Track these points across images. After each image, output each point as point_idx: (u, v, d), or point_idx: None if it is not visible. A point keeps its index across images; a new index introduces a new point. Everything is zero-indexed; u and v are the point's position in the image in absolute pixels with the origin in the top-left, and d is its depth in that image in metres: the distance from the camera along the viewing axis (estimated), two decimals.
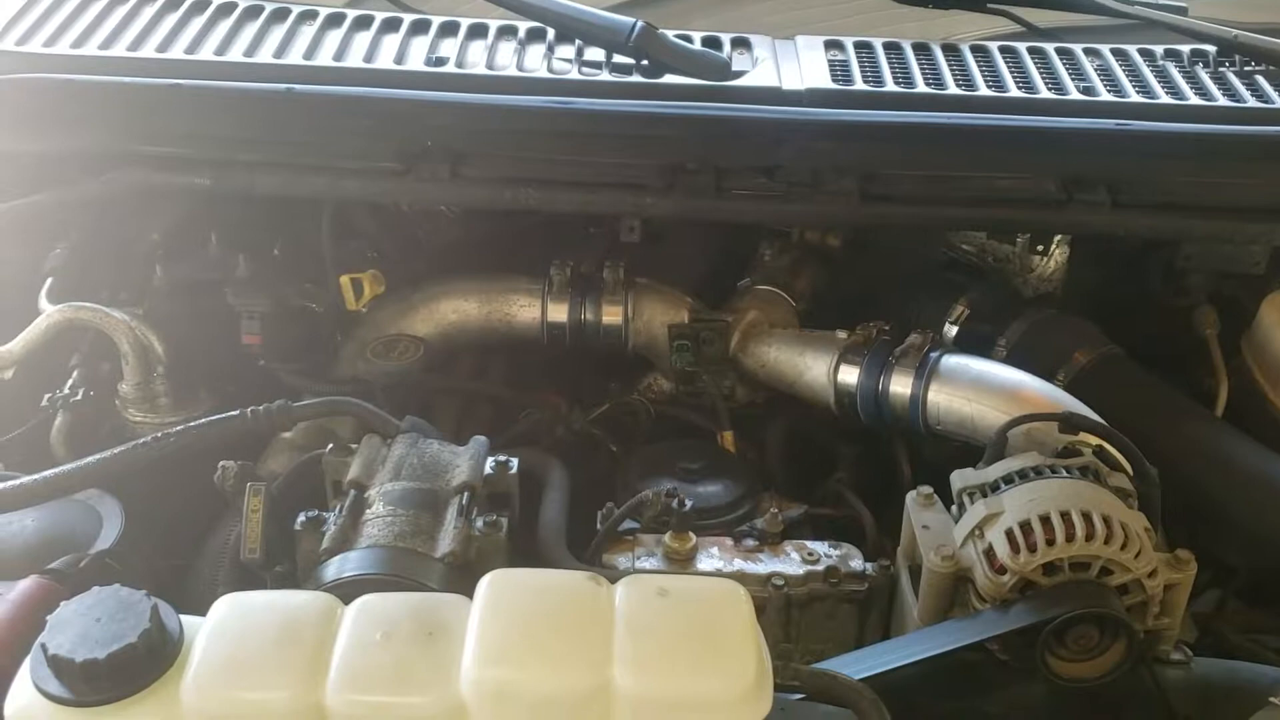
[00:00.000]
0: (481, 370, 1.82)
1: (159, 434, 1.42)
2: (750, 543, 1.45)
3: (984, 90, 1.74)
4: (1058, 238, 1.94)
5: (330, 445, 1.44)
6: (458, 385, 1.73)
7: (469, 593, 1.07)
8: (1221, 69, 1.84)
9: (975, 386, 1.54)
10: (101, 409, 1.63)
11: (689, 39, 1.83)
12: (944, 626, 1.30)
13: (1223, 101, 1.75)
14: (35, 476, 1.38)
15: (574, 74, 1.74)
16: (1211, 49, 1.87)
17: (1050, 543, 1.25)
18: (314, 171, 1.66)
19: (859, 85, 1.73)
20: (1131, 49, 1.88)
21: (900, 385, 1.58)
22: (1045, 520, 1.27)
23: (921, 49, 1.85)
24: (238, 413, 1.43)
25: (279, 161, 1.67)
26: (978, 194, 1.66)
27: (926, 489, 1.42)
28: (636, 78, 1.74)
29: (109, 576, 1.26)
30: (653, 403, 1.77)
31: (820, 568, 1.41)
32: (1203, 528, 1.57)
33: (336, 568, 1.26)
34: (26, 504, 1.39)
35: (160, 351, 1.64)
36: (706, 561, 1.42)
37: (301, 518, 1.34)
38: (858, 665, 1.26)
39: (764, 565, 1.42)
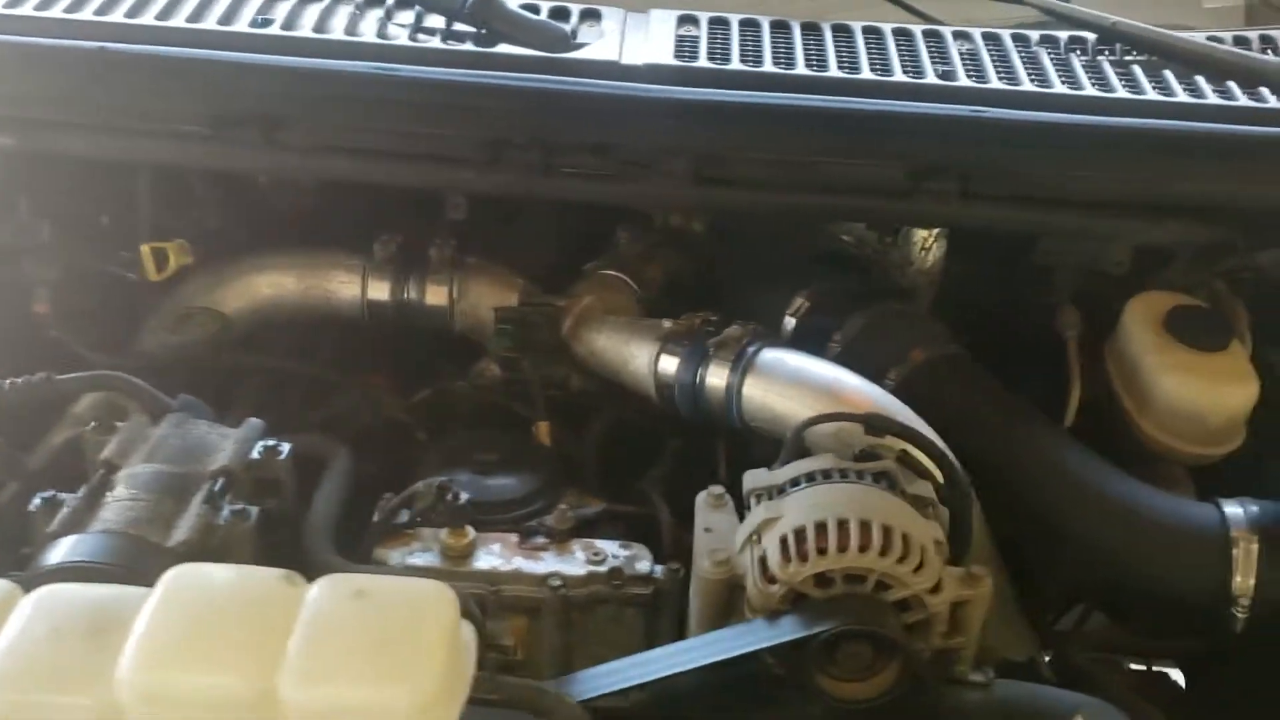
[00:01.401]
0: (306, 351, 1.73)
1: None
2: (540, 540, 1.37)
3: (833, 72, 1.64)
4: (934, 231, 1.86)
5: (92, 423, 1.36)
6: (259, 364, 1.64)
7: None
8: (1100, 57, 1.74)
9: (790, 382, 1.45)
10: None
11: (536, 9, 1.74)
12: (711, 637, 1.21)
13: (1090, 91, 1.65)
14: None
15: (403, 40, 1.65)
16: (1091, 37, 1.77)
17: (822, 552, 1.17)
18: (123, 134, 1.58)
19: (701, 62, 1.64)
20: (1005, 33, 1.78)
21: (716, 378, 1.49)
22: (820, 528, 1.18)
23: (779, 27, 1.75)
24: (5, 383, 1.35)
25: (87, 123, 1.59)
26: (819, 180, 1.56)
27: (718, 489, 1.34)
28: (469, 46, 1.64)
29: None
30: (482, 390, 1.68)
31: (604, 569, 1.32)
32: (1034, 541, 1.49)
33: (56, 552, 1.18)
34: None
35: None
36: (485, 559, 1.34)
37: (37, 499, 1.25)
38: (611, 677, 1.18)
39: (545, 565, 1.33)
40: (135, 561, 1.17)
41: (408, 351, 1.79)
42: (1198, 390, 1.52)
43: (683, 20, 1.76)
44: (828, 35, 1.74)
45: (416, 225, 1.74)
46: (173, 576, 1.01)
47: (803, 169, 1.56)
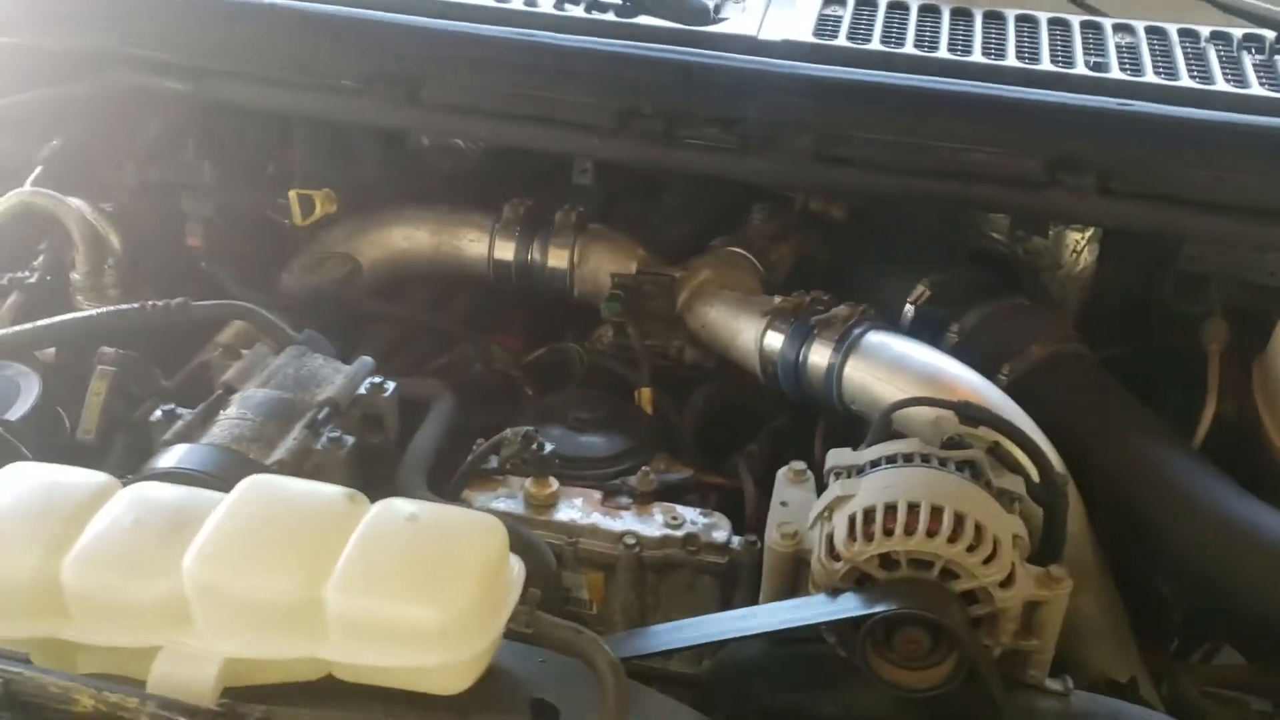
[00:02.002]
0: (440, 307, 1.80)
1: (65, 317, 1.46)
2: (623, 500, 1.38)
3: (977, 57, 1.60)
4: (1086, 233, 1.79)
5: (220, 349, 1.45)
6: (386, 311, 1.71)
7: None
8: (1277, 57, 1.64)
9: (892, 366, 1.42)
10: (56, 294, 1.68)
11: None
12: (768, 607, 1.20)
13: (1256, 90, 1.55)
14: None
15: (547, 7, 1.69)
16: (1270, 35, 1.67)
17: (889, 533, 1.14)
18: (284, 87, 1.68)
19: (839, 41, 1.62)
20: (1171, 27, 1.70)
21: (819, 356, 1.48)
22: (890, 509, 1.15)
23: (928, 11, 1.72)
24: (137, 305, 1.46)
25: (253, 75, 1.69)
26: (947, 166, 1.52)
27: (800, 465, 1.33)
28: (609, 16, 1.68)
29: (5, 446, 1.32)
30: (594, 353, 1.71)
31: (680, 533, 1.33)
32: (1147, 560, 1.41)
33: (164, 459, 1.26)
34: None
35: (116, 245, 1.68)
36: (566, 510, 1.36)
37: (158, 412, 1.34)
38: (663, 636, 1.18)
39: (622, 523, 1.34)
40: (231, 473, 1.23)
41: (537, 315, 1.83)
42: None
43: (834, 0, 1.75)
44: (977, 21, 1.70)
45: (564, 193, 1.78)
46: (247, 485, 1.07)
47: (927, 153, 1.53)
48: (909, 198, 1.58)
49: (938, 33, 1.65)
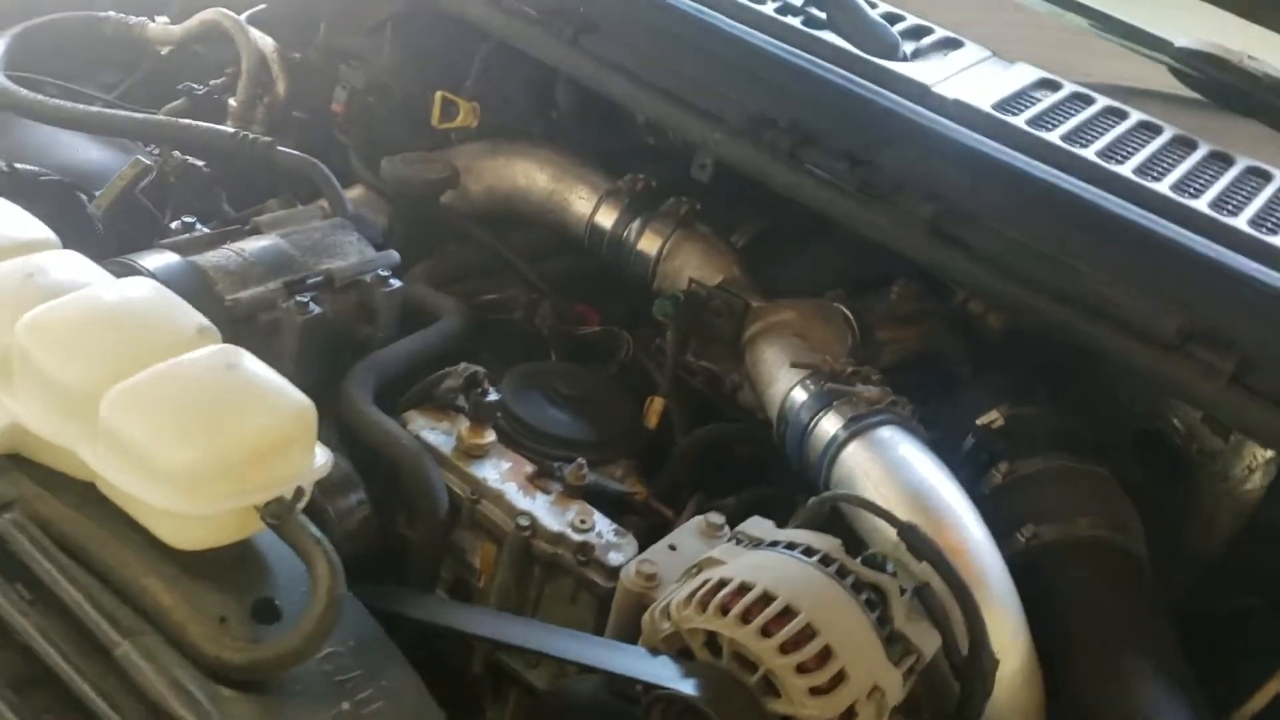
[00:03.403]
0: (538, 257, 1.73)
1: (166, 118, 1.53)
2: (554, 484, 1.28)
3: (1164, 188, 1.36)
4: (1269, 453, 1.50)
5: (274, 199, 1.48)
6: (465, 226, 1.66)
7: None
8: None
9: (889, 467, 1.23)
10: (214, 111, 1.77)
11: (899, 18, 1.62)
12: (577, 637, 1.07)
13: None
14: (71, 105, 1.55)
15: None
16: None
17: (724, 611, 0.98)
18: (481, 3, 1.67)
19: (1016, 121, 1.43)
20: None
21: (828, 428, 1.30)
22: (742, 590, 0.99)
23: (1146, 127, 1.49)
24: (231, 130, 1.51)
25: None
26: (1070, 290, 1.31)
27: (718, 519, 1.17)
28: (794, 22, 1.56)
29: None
30: (651, 353, 1.59)
31: (578, 538, 1.21)
32: None
33: (139, 254, 1.28)
34: (65, 125, 1.56)
35: (280, 90, 1.76)
36: (485, 468, 1.28)
37: (178, 222, 1.38)
38: (451, 615, 1.09)
39: (531, 504, 1.24)
40: (184, 288, 1.23)
41: (630, 299, 1.73)
42: None
43: (1041, 83, 1.55)
44: (1194, 155, 1.45)
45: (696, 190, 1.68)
46: (129, 282, 1.07)
47: (1053, 266, 1.31)
48: (1014, 306, 1.37)
49: (1136, 150, 1.42)
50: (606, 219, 1.64)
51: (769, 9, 1.59)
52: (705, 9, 1.56)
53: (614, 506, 1.29)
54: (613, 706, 1.04)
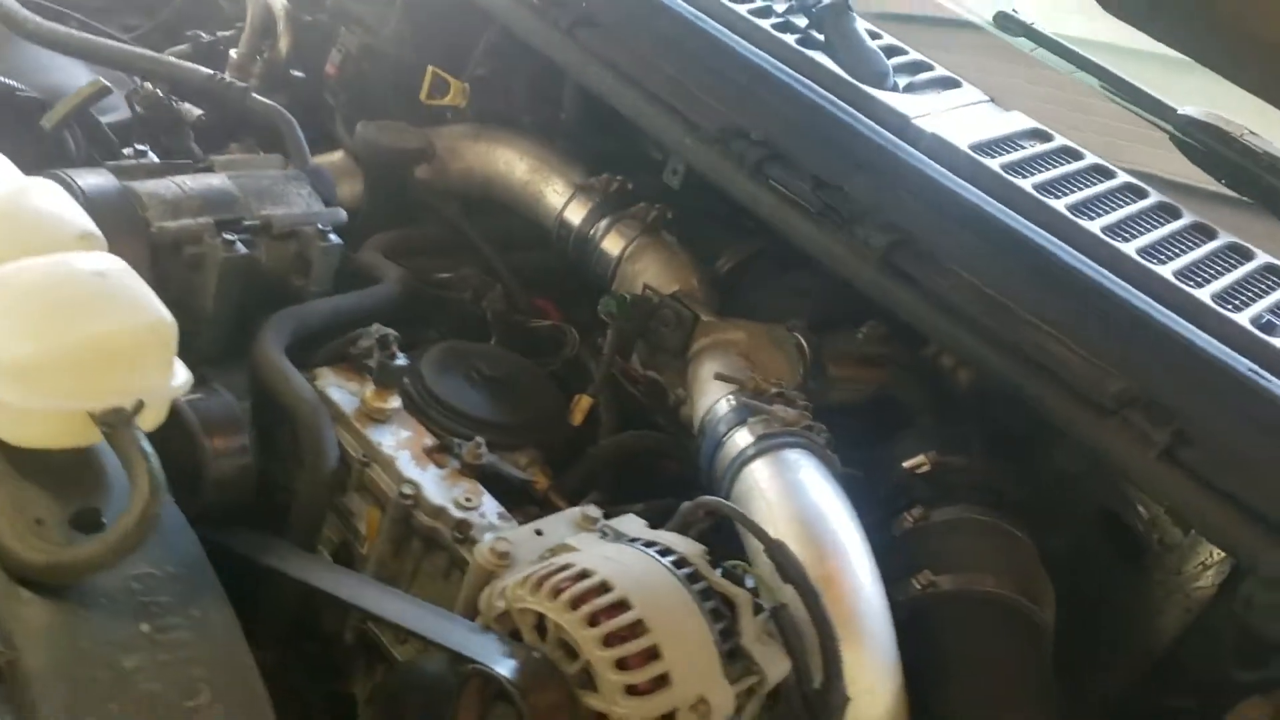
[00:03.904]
0: (515, 247, 1.70)
1: (148, 52, 1.54)
2: (452, 461, 1.24)
3: (1130, 249, 1.30)
4: (1221, 554, 1.42)
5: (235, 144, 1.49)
6: (430, 201, 1.64)
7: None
8: None
9: (784, 489, 1.18)
10: (213, 59, 1.78)
11: (899, 52, 1.58)
12: (417, 605, 1.04)
13: None
14: (69, 31, 1.56)
15: (743, 8, 1.58)
16: None
17: (555, 594, 0.94)
18: None
19: (992, 164, 1.38)
20: None
21: (739, 442, 1.25)
22: (582, 575, 0.95)
23: (1130, 191, 1.43)
24: (211, 73, 1.52)
25: None
26: (1010, 336, 1.25)
27: (595, 512, 1.13)
28: (787, 39, 1.54)
29: None
30: (595, 351, 1.55)
31: (458, 515, 1.17)
32: None
33: (81, 174, 1.28)
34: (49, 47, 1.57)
35: (282, 47, 1.76)
36: (385, 433, 1.25)
37: (131, 149, 1.38)
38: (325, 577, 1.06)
39: (420, 475, 1.21)
40: (110, 207, 1.23)
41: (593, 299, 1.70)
42: None
43: (1033, 133, 1.50)
44: (1172, 225, 1.39)
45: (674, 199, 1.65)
46: (32, 183, 1.06)
47: (999, 313, 1.26)
48: (956, 349, 1.32)
49: (1111, 210, 1.37)
50: (575, 215, 1.62)
51: (767, 24, 1.56)
52: (704, 17, 1.54)
53: (513, 494, 1.25)
54: (451, 684, 1.01)
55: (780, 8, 1.65)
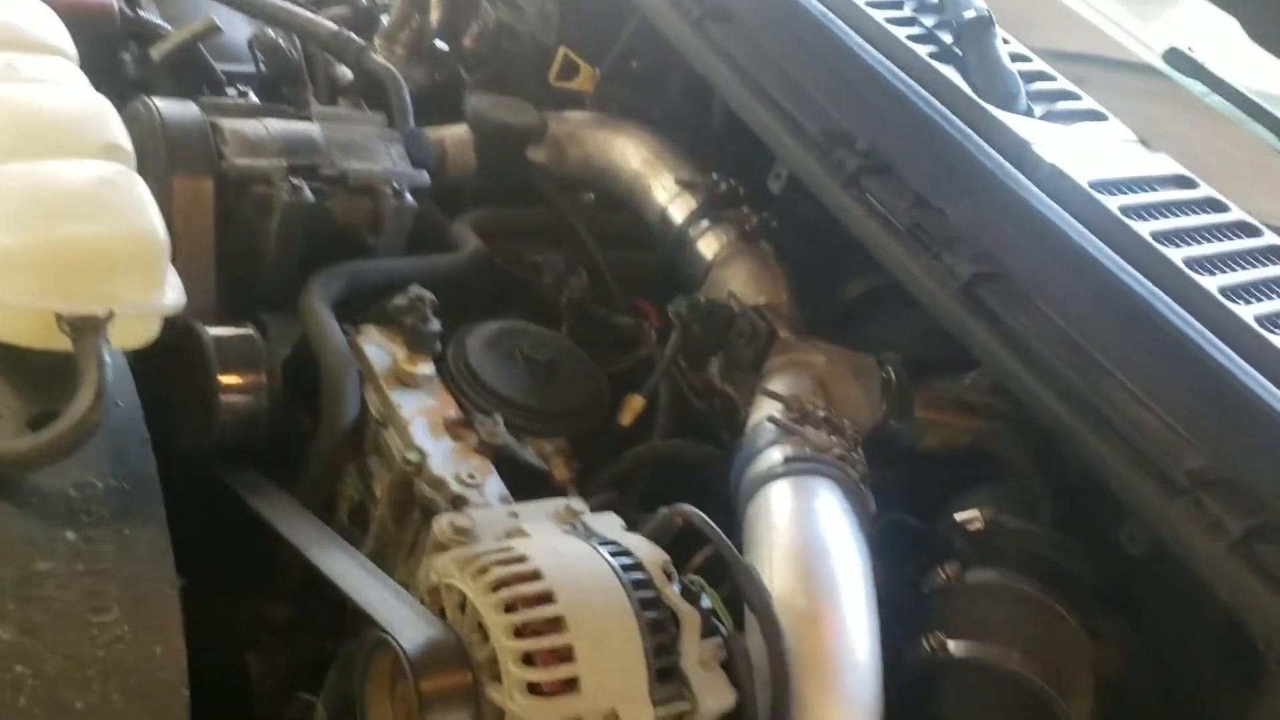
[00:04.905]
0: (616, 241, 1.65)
1: (279, 4, 1.58)
2: (473, 438, 1.20)
3: (1245, 314, 1.13)
4: None
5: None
6: (539, 183, 1.60)
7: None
8: None
9: (798, 514, 1.08)
10: (366, 27, 1.81)
11: (1049, 80, 1.45)
12: (364, 570, 1.00)
13: None
14: None
15: (881, 16, 1.48)
16: None
17: (480, 574, 0.88)
18: None
19: (1108, 202, 1.23)
20: None
21: (767, 459, 1.16)
22: (517, 559, 0.89)
23: (1274, 252, 1.25)
24: (334, 29, 1.55)
25: None
26: (1087, 395, 1.11)
27: (579, 504, 1.06)
28: (923, 50, 1.43)
29: None
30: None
31: (458, 490, 1.13)
32: None
33: (164, 99, 1.31)
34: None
35: (433, 19, 1.78)
36: (409, 398, 1.21)
37: (235, 89, 1.41)
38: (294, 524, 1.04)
39: (432, 446, 1.17)
40: (186, 135, 1.26)
41: None
42: None
43: (1175, 179, 1.34)
44: None
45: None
46: (84, 93, 1.09)
47: (1080, 364, 1.13)
48: (1023, 397, 1.17)
49: (1236, 269, 1.20)
50: (679, 213, 1.55)
51: (903, 33, 1.46)
52: (838, 20, 1.46)
53: (529, 481, 1.20)
54: None
55: (929, 21, 1.54)
